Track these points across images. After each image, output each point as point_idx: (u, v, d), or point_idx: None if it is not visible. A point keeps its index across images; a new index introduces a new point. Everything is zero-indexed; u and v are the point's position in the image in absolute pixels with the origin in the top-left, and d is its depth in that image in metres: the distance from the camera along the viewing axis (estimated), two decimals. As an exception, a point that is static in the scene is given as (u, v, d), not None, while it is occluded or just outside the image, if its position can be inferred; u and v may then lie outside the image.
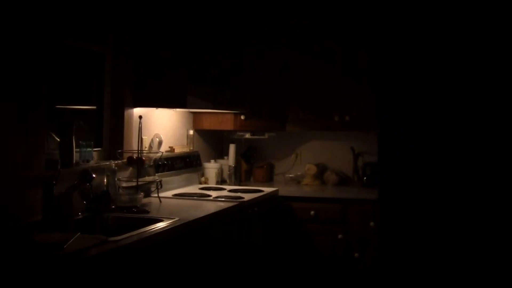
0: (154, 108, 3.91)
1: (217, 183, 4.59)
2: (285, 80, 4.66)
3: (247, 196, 3.89)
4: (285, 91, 4.66)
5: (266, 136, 4.82)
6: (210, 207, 3.48)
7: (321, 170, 4.88)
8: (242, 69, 4.46)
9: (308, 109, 4.64)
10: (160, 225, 2.81)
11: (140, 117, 3.46)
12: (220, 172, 4.67)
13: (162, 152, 3.74)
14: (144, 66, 3.67)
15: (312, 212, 4.27)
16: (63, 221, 2.76)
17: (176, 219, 2.96)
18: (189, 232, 2.96)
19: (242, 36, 4.48)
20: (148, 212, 3.18)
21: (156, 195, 3.61)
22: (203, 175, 4.58)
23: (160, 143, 3.73)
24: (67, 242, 2.25)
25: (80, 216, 2.94)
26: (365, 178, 4.68)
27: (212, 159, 4.76)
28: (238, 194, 3.97)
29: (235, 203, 3.63)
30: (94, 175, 2.89)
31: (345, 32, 4.54)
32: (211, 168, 4.61)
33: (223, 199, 3.77)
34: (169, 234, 2.77)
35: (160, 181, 3.58)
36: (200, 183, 4.51)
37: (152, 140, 3.74)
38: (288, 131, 4.79)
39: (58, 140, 3.11)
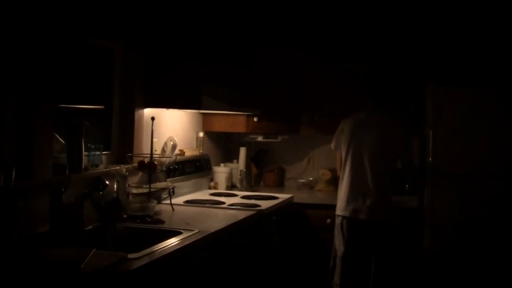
0: (165, 109, 3.65)
1: (227, 188, 4.34)
2: (299, 81, 4.42)
3: (263, 204, 3.65)
4: (299, 92, 4.42)
5: (279, 139, 4.58)
6: (226, 216, 3.26)
7: (335, 176, 4.63)
8: (254, 68, 4.22)
9: (323, 111, 4.40)
10: (180, 238, 2.58)
11: (153, 118, 3.20)
12: (230, 176, 4.42)
13: (176, 156, 3.48)
14: (155, 63, 3.40)
15: (328, 220, 3.99)
16: (72, 233, 2.51)
17: (196, 230, 2.72)
18: (210, 244, 2.72)
19: (255, 35, 4.25)
20: (163, 222, 2.93)
21: (167, 201, 3.36)
22: (212, 179, 4.33)
23: (174, 147, 3.47)
24: (84, 261, 2.00)
25: (90, 227, 2.67)
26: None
27: (221, 162, 4.51)
28: (253, 202, 3.74)
29: (253, 212, 3.39)
30: (107, 182, 2.63)
31: (361, 35, 4.30)
32: (221, 172, 4.36)
33: (238, 206, 3.55)
34: (191, 248, 2.53)
35: (173, 188, 3.32)
36: (210, 188, 4.26)
37: (165, 143, 3.48)
38: (302, 134, 4.54)
39: (63, 142, 2.85)
